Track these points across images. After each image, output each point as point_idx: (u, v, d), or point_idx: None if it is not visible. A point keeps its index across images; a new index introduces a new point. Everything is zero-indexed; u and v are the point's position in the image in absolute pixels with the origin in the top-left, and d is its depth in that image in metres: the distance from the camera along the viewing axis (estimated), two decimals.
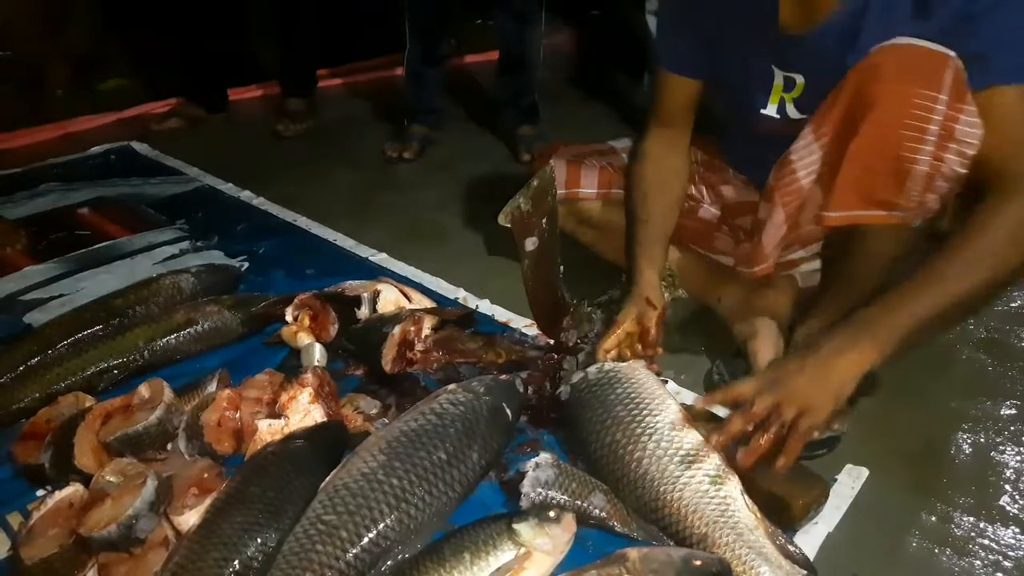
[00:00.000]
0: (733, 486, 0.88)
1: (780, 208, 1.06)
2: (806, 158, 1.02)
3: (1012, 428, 1.13)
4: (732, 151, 1.33)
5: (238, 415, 1.03)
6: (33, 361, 1.19)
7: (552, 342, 1.25)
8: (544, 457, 0.95)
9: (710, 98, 1.24)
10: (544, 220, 1.17)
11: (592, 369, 1.07)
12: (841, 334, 0.93)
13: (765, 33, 1.05)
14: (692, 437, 0.93)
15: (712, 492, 0.87)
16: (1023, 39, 0.89)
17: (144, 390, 1.05)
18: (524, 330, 1.33)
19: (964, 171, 0.93)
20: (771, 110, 1.11)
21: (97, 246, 1.64)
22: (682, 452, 0.91)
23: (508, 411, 1.03)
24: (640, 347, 1.12)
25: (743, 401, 0.94)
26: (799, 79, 1.06)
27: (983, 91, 0.90)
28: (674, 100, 1.23)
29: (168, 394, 1.03)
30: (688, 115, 1.24)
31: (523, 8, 2.10)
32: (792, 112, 1.10)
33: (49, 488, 0.97)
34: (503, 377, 1.10)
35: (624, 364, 1.07)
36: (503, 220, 1.16)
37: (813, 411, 0.90)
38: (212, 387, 1.10)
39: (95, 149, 2.25)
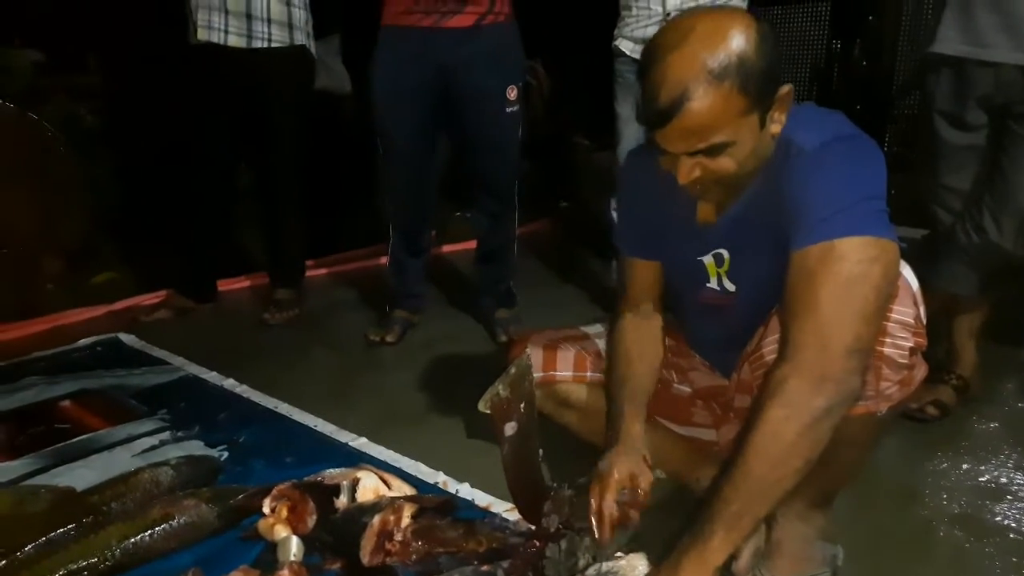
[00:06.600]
0: None
1: None
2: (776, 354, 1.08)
3: None
4: (686, 329, 1.40)
5: None
6: (1, 563, 1.15)
7: (533, 528, 1.24)
8: None
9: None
10: (523, 406, 1.22)
11: (591, 573, 1.05)
12: (690, 534, 0.96)
13: (689, 225, 1.20)
14: None
15: None
16: (818, 202, 0.97)
17: None
18: (505, 515, 1.32)
19: (907, 363, 1.01)
20: (713, 283, 1.22)
21: (75, 439, 1.62)
22: None
23: None
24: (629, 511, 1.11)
25: None
26: (725, 253, 1.18)
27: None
28: (639, 281, 1.33)
29: None
30: (655, 292, 1.33)
31: (498, 208, 2.28)
32: (728, 285, 1.20)
33: None
34: (484, 568, 1.08)
35: (623, 563, 1.06)
36: (483, 407, 1.21)
37: None
38: None
39: (82, 341, 2.28)
